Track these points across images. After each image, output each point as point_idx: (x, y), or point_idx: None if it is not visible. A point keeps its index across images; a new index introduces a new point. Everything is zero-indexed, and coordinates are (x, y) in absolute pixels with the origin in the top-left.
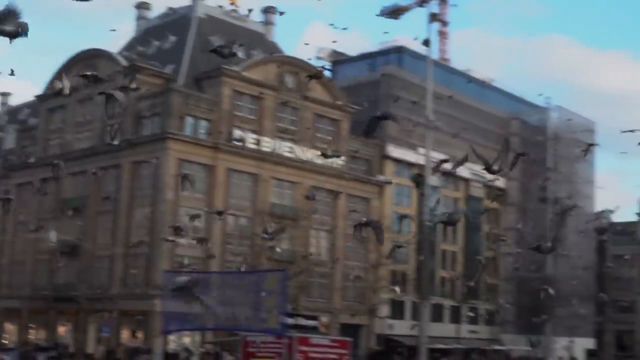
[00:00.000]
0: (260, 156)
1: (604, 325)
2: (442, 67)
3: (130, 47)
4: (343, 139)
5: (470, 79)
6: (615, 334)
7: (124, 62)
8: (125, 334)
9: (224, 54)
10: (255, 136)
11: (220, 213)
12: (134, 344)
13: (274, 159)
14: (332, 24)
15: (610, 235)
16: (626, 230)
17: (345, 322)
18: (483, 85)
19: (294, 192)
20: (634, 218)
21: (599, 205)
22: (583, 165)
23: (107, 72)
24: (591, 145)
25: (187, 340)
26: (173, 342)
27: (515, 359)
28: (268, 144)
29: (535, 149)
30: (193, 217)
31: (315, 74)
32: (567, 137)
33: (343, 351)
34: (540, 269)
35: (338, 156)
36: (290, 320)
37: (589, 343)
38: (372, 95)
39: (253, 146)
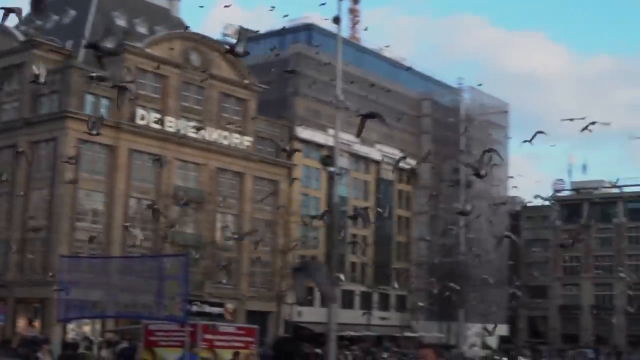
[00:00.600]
0: (164, 136)
1: (517, 311)
2: (353, 45)
3: (27, 21)
4: (250, 119)
5: (382, 58)
6: (529, 319)
7: (21, 37)
8: (21, 323)
9: (103, 50)
10: (158, 115)
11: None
12: (31, 333)
13: (178, 139)
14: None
15: (524, 219)
16: (539, 214)
17: (252, 309)
18: (394, 65)
19: (199, 174)
20: (547, 202)
21: (512, 189)
22: (496, 148)
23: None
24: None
25: (87, 329)
26: (72, 330)
27: (426, 345)
28: (172, 124)
29: (447, 130)
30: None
31: (231, 49)
32: (480, 119)
33: (250, 339)
34: (452, 254)
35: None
36: (194, 308)
37: (502, 329)
38: (280, 74)
39: (156, 126)
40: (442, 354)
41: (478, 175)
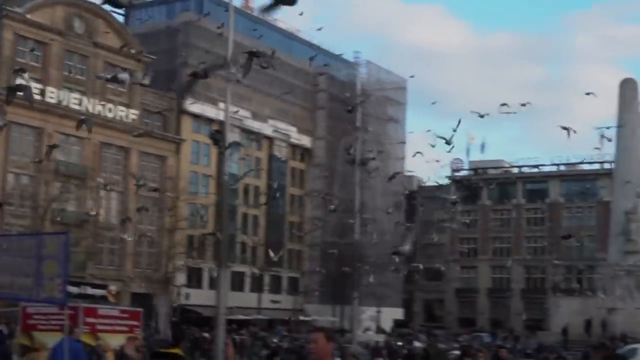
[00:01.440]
0: (45, 108)
1: (413, 294)
2: (246, 15)
3: None
4: (137, 91)
5: (276, 30)
6: (425, 303)
7: None
8: None
9: None
10: (39, 86)
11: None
12: None
13: (60, 111)
14: None
15: (421, 199)
16: (437, 194)
17: (137, 292)
18: (289, 37)
19: (81, 149)
20: (445, 181)
21: (409, 167)
22: (393, 125)
23: None
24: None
25: None
26: None
27: (318, 329)
28: (53, 95)
29: (343, 106)
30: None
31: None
32: (377, 95)
33: (134, 323)
34: (347, 235)
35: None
36: (75, 289)
37: (398, 313)
38: (169, 44)
39: (37, 97)
40: (334, 338)
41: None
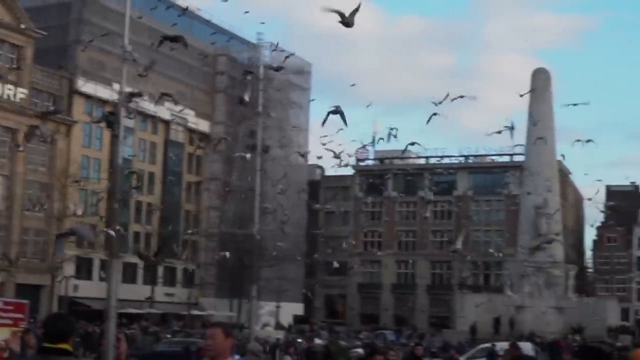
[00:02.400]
0: None
1: (313, 288)
2: None
3: None
4: (26, 69)
5: (175, 8)
6: (326, 298)
7: None
8: None
9: None
10: None
11: None
12: None
13: None
14: None
15: (324, 189)
16: (340, 184)
17: (22, 282)
18: (189, 16)
19: None
20: (349, 171)
21: (313, 157)
22: (296, 111)
23: None
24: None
25: None
26: None
27: (215, 324)
28: None
29: (245, 90)
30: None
31: None
32: (280, 79)
33: (19, 315)
34: (246, 225)
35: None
36: None
37: (298, 308)
38: (61, 19)
39: None
40: (232, 333)
41: None
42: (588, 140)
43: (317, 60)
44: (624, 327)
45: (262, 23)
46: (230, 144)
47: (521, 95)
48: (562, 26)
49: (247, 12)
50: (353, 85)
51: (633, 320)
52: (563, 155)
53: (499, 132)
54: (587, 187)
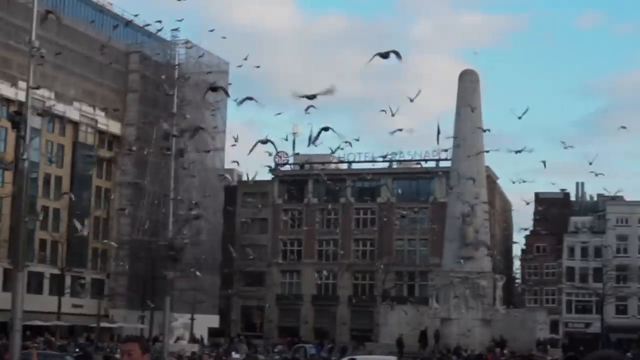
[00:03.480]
0: None
1: (230, 300)
2: None
3: None
4: None
5: (85, 2)
6: (243, 310)
7: None
8: None
9: None
10: None
11: None
12: None
13: None
14: None
15: (241, 195)
16: (258, 190)
17: None
18: (100, 10)
19: None
20: (267, 177)
21: (229, 160)
22: (213, 112)
23: None
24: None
25: None
26: None
27: (132, 339)
28: None
29: (158, 89)
30: None
31: None
32: (196, 78)
33: None
34: (159, 233)
35: None
36: None
37: (213, 320)
38: None
39: None
40: (149, 348)
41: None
42: (518, 151)
43: (236, 59)
44: (553, 339)
45: (180, 20)
46: (143, 146)
47: (411, 100)
48: (489, 26)
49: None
50: (258, 67)
51: (563, 333)
52: (483, 129)
53: (400, 130)
54: (515, 194)
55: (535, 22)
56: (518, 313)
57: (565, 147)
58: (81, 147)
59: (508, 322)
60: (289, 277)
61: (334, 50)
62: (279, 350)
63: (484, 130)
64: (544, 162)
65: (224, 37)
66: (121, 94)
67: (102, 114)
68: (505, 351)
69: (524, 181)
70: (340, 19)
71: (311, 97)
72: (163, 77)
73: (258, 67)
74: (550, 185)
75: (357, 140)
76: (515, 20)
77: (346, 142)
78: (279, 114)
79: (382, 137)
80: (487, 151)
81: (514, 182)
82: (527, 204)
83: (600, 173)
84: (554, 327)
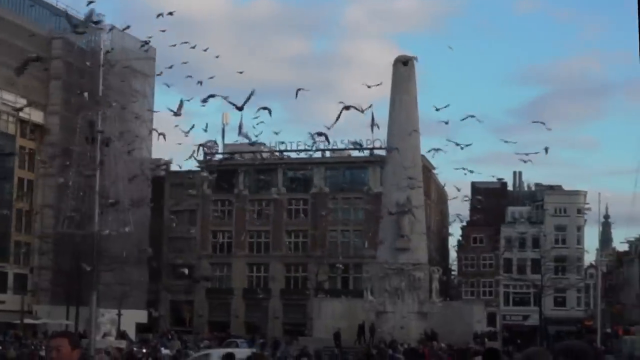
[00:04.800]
0: None
1: (158, 294)
2: None
3: None
4: None
5: None
6: (172, 304)
7: None
8: None
9: None
10: None
11: None
12: None
13: None
14: None
15: (169, 186)
16: (186, 181)
17: None
18: None
19: None
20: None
21: (157, 150)
22: (139, 100)
23: None
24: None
25: None
26: None
27: (61, 334)
28: None
29: (83, 77)
30: None
31: None
32: (122, 65)
33: None
34: (85, 225)
35: None
36: None
37: (141, 316)
38: None
39: None
40: (79, 344)
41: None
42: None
43: (163, 46)
44: (490, 332)
45: (91, 1)
46: (67, 135)
47: (369, 86)
48: (425, 11)
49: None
50: (189, 44)
51: (500, 325)
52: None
53: (337, 118)
54: (451, 184)
55: (472, 8)
56: (455, 305)
57: (506, 142)
58: (2, 137)
59: (444, 315)
60: (219, 270)
61: (266, 35)
62: (205, 345)
63: (428, 130)
64: (546, 149)
65: (164, 31)
66: (44, 82)
67: (24, 101)
68: (442, 345)
69: (471, 171)
70: (272, 3)
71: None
72: (88, 64)
73: (191, 45)
74: (488, 175)
75: (266, 109)
76: (451, 6)
77: (265, 108)
78: (205, 101)
79: (315, 125)
80: (421, 133)
81: (456, 169)
82: (463, 192)
83: (528, 160)
84: (491, 319)
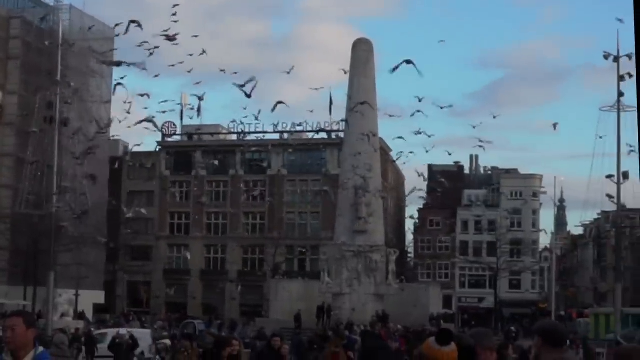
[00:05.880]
0: None
1: (115, 275)
2: None
3: None
4: None
5: None
6: (129, 285)
7: None
8: None
9: None
10: None
11: None
12: None
13: None
14: None
15: (127, 167)
16: (145, 162)
17: None
18: None
19: None
20: (154, 148)
21: (116, 131)
22: (98, 81)
23: None
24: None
25: None
26: None
27: (15, 313)
28: None
29: (41, 56)
30: None
31: None
32: (81, 45)
33: None
34: (43, 206)
35: None
36: None
37: (99, 296)
38: None
39: None
40: (35, 323)
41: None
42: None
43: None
44: (446, 314)
45: None
46: (25, 116)
47: (345, 72)
48: None
49: None
50: (149, 45)
51: (456, 308)
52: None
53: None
54: (408, 167)
55: None
56: (411, 288)
57: (474, 127)
58: None
59: (401, 297)
60: (176, 251)
61: (223, 18)
62: (158, 326)
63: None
64: (555, 125)
65: (136, 23)
66: (2, 62)
67: None
68: (398, 326)
69: (427, 151)
70: None
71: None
72: (47, 43)
73: (153, 46)
74: (445, 158)
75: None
76: None
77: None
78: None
79: (272, 107)
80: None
81: (412, 153)
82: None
83: (487, 142)
84: (447, 301)
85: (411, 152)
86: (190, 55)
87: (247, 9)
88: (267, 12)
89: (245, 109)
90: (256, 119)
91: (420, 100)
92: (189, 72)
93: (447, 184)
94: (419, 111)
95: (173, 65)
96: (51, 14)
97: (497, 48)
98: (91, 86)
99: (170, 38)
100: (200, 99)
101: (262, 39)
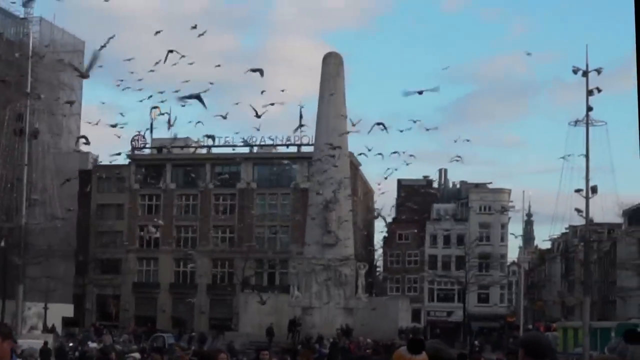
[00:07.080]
0: None
1: (85, 288)
2: None
3: None
4: None
5: None
6: (98, 298)
7: None
8: None
9: None
10: None
11: None
12: None
13: None
14: None
15: (96, 180)
16: (114, 175)
17: None
18: None
19: None
20: (124, 161)
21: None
22: (68, 94)
23: None
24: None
25: None
26: None
27: None
28: None
29: (11, 69)
30: None
31: None
32: (51, 57)
33: None
34: (12, 218)
35: None
36: None
37: (68, 310)
38: None
39: None
40: (10, 335)
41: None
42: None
43: (92, 39)
44: (415, 328)
45: None
46: None
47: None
48: (353, 8)
49: None
50: (129, 60)
51: (425, 321)
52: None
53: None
54: (377, 180)
55: (400, 6)
56: (380, 301)
57: (455, 141)
58: None
59: (370, 311)
60: (145, 264)
61: (195, 31)
62: (124, 340)
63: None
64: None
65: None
66: None
67: None
68: (368, 340)
69: (395, 169)
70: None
71: None
72: (17, 55)
73: (130, 60)
74: (415, 173)
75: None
76: (380, 3)
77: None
78: (141, 100)
79: (244, 121)
80: (348, 132)
81: (385, 177)
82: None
83: (456, 157)
84: (416, 315)
85: (389, 169)
86: (157, 63)
87: (218, 21)
88: (237, 27)
89: (199, 122)
90: (224, 118)
91: (384, 128)
92: (161, 93)
93: (415, 198)
94: (379, 124)
95: (141, 80)
96: (21, 26)
97: (466, 63)
98: (61, 99)
99: None
100: (169, 114)
101: (232, 51)
